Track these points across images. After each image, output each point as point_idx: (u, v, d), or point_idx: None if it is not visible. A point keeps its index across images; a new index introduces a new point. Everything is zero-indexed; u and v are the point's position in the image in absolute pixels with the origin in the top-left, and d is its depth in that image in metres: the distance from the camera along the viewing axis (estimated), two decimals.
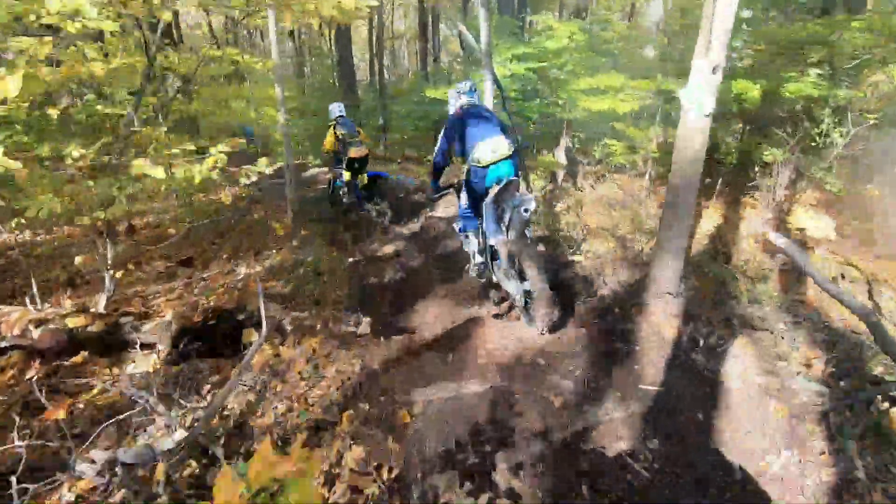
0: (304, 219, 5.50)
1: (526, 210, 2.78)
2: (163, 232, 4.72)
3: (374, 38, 13.10)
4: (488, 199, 2.98)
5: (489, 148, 2.98)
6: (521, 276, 2.92)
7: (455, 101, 3.35)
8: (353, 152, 5.38)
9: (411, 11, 18.40)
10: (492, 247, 3.07)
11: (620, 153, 5.45)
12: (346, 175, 5.55)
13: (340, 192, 5.93)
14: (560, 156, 5.86)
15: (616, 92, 5.06)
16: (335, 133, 5.48)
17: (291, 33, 15.21)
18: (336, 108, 5.70)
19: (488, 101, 4.57)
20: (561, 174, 5.96)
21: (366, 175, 5.69)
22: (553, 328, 2.88)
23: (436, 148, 3.32)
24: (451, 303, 3.61)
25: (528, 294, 2.90)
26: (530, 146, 6.67)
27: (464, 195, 3.32)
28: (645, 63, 6.33)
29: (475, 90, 3.38)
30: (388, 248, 4.89)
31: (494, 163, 3.00)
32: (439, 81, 9.56)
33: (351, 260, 4.63)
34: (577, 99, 5.22)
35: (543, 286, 2.73)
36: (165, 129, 3.40)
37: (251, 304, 3.08)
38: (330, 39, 14.37)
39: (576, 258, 4.07)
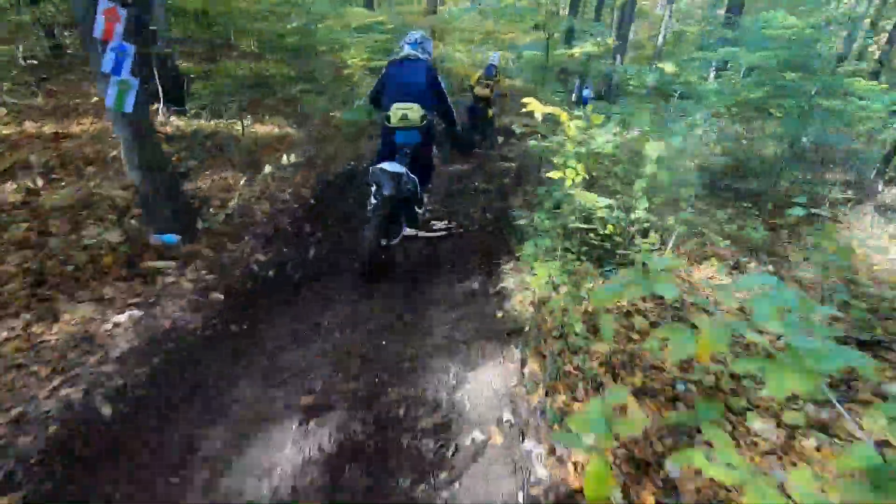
0: None
1: (388, 191, 2.89)
2: None
3: None
4: (378, 165, 2.98)
5: (400, 112, 3.04)
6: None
7: (399, 47, 3.41)
8: (477, 91, 6.80)
9: None
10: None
11: None
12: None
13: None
14: None
15: None
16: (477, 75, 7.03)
17: None
18: (493, 57, 7.23)
19: None
20: None
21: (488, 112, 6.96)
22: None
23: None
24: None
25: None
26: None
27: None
28: None
29: (420, 44, 3.31)
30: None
31: (400, 129, 3.10)
32: None
33: None
34: None
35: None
36: None
37: None
38: None
39: None
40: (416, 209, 3.38)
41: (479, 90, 6.73)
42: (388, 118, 3.06)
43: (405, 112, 3.01)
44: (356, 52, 7.28)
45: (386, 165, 2.92)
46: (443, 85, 3.26)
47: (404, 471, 1.63)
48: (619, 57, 12.34)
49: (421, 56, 3.24)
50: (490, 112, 6.92)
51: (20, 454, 1.59)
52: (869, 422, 0.71)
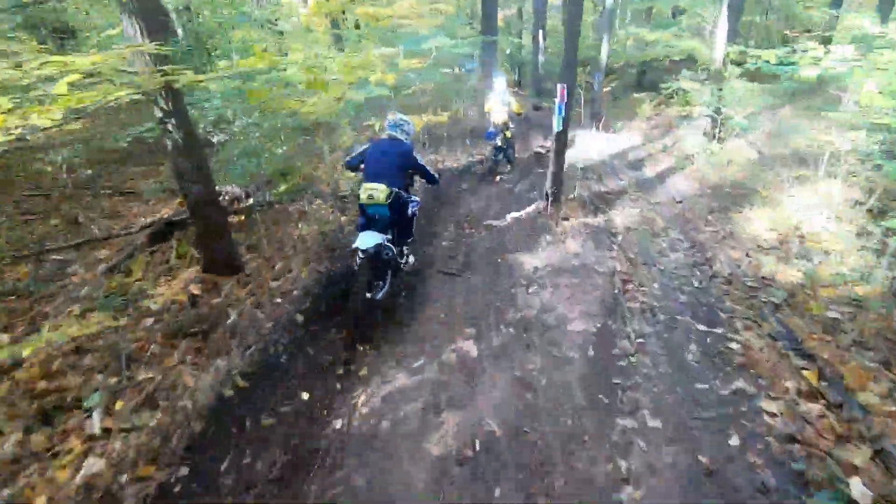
0: None
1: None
2: None
3: None
4: (358, 237, 3.38)
5: (367, 192, 3.37)
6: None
7: (387, 127, 3.79)
8: (495, 117, 6.73)
9: None
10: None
11: None
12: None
13: None
14: None
15: None
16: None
17: None
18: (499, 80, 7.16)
19: None
20: None
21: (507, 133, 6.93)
22: None
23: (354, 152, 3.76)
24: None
25: None
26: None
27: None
28: None
29: (399, 126, 3.75)
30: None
31: (370, 205, 3.43)
32: None
33: None
34: None
35: None
36: None
37: None
38: None
39: None
40: (400, 262, 3.88)
41: (497, 117, 6.67)
42: (358, 195, 3.52)
43: (371, 192, 3.39)
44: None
45: (364, 237, 3.35)
46: (419, 160, 3.76)
47: None
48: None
49: (400, 136, 3.75)
50: (509, 133, 6.95)
51: None
52: None
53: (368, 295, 3.33)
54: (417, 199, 3.89)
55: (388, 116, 3.83)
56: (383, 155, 3.57)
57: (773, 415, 2.53)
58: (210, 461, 2.37)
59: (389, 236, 3.59)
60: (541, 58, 12.99)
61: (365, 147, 3.71)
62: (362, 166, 3.63)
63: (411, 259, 4.08)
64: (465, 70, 11.34)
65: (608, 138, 9.27)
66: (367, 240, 3.29)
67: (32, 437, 2.33)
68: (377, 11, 6.24)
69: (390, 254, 3.49)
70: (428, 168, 3.86)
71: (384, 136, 3.79)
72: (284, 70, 4.10)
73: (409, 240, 3.99)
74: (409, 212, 3.75)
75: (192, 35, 6.88)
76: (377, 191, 3.37)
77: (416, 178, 4.00)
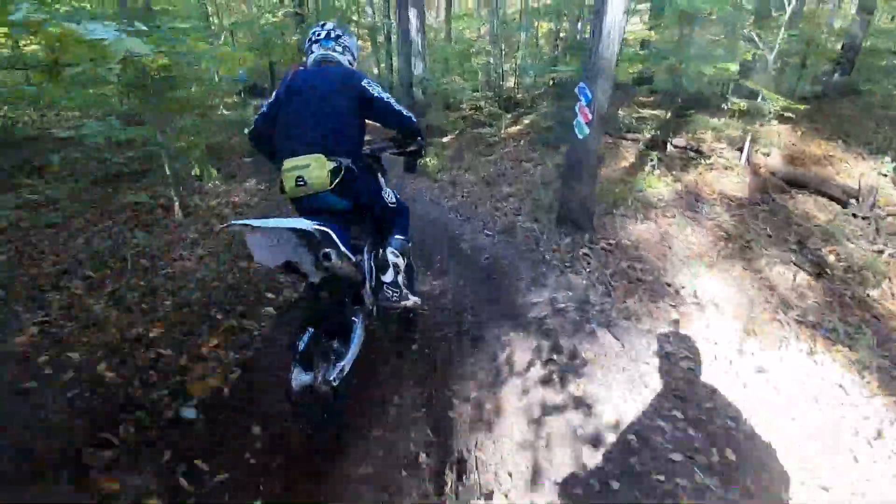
0: None
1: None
2: None
3: None
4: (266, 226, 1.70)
5: (293, 174, 1.82)
6: None
7: (307, 49, 2.16)
8: None
9: None
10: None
11: None
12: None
13: None
14: None
15: None
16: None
17: None
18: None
19: None
20: None
21: None
22: None
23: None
24: None
25: None
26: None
27: None
28: None
29: (338, 38, 2.11)
30: None
31: (302, 197, 1.89)
32: None
33: None
34: None
35: None
36: None
37: None
38: None
39: None
40: (388, 292, 2.01)
41: None
42: (280, 185, 1.90)
43: (300, 175, 1.79)
44: None
45: (284, 224, 1.63)
46: (379, 93, 1.99)
47: None
48: None
49: (341, 57, 2.10)
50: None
51: None
52: None
53: (306, 379, 1.67)
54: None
55: (314, 28, 2.13)
56: (312, 98, 1.86)
57: None
58: None
59: (348, 237, 1.84)
60: (417, 68, 8.24)
61: (277, 91, 1.99)
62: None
63: (406, 294, 2.09)
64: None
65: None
66: (297, 223, 1.60)
67: None
68: None
69: (352, 262, 1.72)
70: (401, 107, 2.04)
71: (309, 59, 2.07)
72: None
73: (403, 240, 2.12)
74: (386, 197, 2.14)
75: None
76: (310, 168, 1.77)
77: (384, 140, 2.18)
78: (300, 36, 12.22)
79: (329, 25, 2.13)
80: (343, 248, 1.62)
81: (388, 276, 2.00)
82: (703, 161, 7.12)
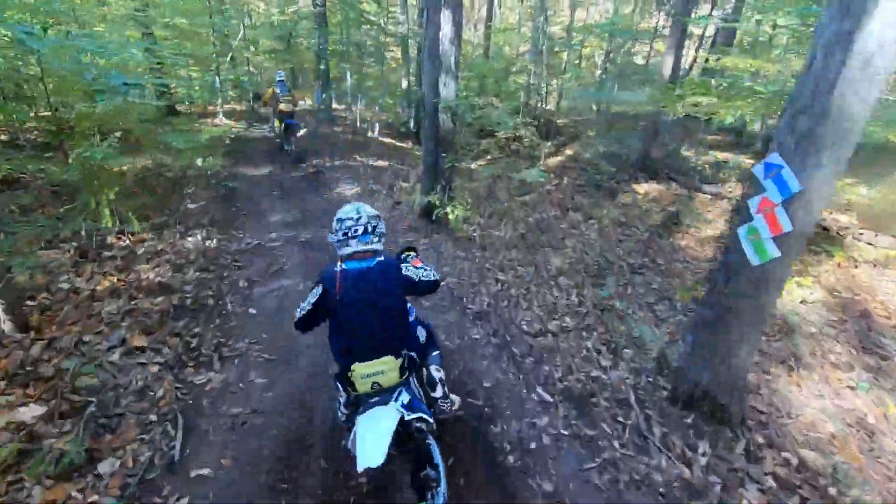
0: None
1: None
2: None
3: None
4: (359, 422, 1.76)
5: (369, 381, 1.83)
6: None
7: (338, 241, 1.95)
8: (283, 107, 7.65)
9: None
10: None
11: None
12: (277, 122, 8.16)
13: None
14: None
15: None
16: (273, 91, 7.76)
17: None
18: (279, 74, 8.12)
19: None
20: None
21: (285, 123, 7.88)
22: None
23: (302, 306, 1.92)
24: None
25: None
26: None
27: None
28: None
29: (375, 228, 1.95)
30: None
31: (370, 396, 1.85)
32: None
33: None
34: None
35: None
36: None
37: None
38: None
39: None
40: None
41: (284, 106, 7.68)
42: (349, 383, 1.88)
43: (375, 381, 1.85)
44: None
45: (369, 440, 1.68)
46: (416, 275, 1.98)
47: None
48: None
49: (375, 244, 1.96)
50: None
51: None
52: None
53: None
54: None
55: (345, 220, 1.95)
56: (370, 306, 1.87)
57: None
58: None
59: (408, 397, 1.89)
60: (449, 88, 4.97)
61: (318, 289, 1.88)
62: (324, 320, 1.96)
63: (454, 399, 2.44)
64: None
65: None
66: (378, 442, 1.69)
67: None
68: None
69: (425, 426, 1.85)
70: (429, 276, 2.04)
71: (343, 252, 1.94)
72: None
73: (439, 354, 2.31)
74: (420, 334, 2.27)
75: None
76: (384, 374, 1.87)
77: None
78: (319, 39, 10.32)
79: (364, 219, 1.96)
80: (427, 416, 1.83)
81: (438, 392, 2.18)
82: (841, 246, 4.89)
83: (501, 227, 5.72)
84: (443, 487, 1.89)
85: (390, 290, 1.89)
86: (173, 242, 4.49)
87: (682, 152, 8.67)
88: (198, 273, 4.05)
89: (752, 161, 8.34)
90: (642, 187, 7.26)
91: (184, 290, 3.75)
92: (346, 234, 1.92)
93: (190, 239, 4.64)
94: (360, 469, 1.61)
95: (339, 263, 1.89)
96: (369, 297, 1.85)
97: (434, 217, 5.30)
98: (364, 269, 1.87)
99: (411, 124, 11.16)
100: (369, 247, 1.93)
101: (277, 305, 3.70)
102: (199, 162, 6.33)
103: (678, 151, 8.67)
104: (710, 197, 6.67)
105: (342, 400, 2.00)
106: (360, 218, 1.94)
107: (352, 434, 1.77)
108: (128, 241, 4.33)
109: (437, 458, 1.96)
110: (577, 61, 12.38)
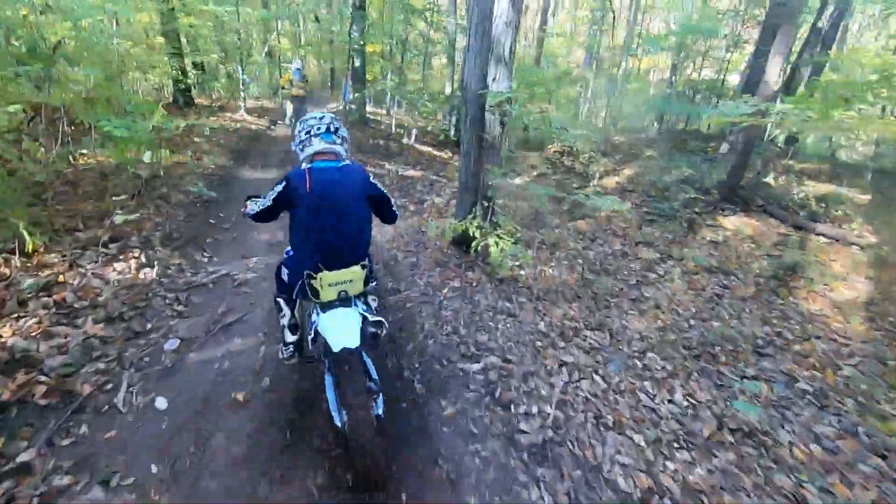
0: None
1: None
2: None
3: None
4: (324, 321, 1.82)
5: (336, 288, 1.84)
6: None
7: (301, 141, 1.97)
8: (295, 91, 8.43)
9: None
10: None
11: None
12: (290, 109, 8.79)
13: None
14: None
15: None
16: (290, 77, 8.53)
17: None
18: (295, 62, 8.80)
19: None
20: None
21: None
22: None
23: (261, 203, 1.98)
24: None
25: None
26: None
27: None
28: None
29: (336, 131, 1.98)
30: None
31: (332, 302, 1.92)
32: None
33: None
34: None
35: None
36: None
37: None
38: None
39: None
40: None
41: (296, 91, 8.29)
42: (312, 291, 1.85)
43: (343, 289, 1.86)
44: None
45: (339, 323, 1.78)
46: (381, 189, 2.03)
47: None
48: None
49: (339, 147, 1.97)
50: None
51: None
52: None
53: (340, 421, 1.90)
54: None
55: (309, 121, 1.99)
56: (341, 201, 1.85)
57: None
58: None
59: (364, 304, 2.06)
60: (500, 81, 3.73)
61: (280, 186, 1.85)
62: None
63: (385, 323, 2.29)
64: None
65: None
66: (349, 327, 1.78)
67: None
68: None
69: (378, 325, 1.95)
70: (394, 207, 2.20)
71: (307, 152, 1.95)
72: None
73: (373, 283, 2.32)
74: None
75: None
76: (353, 283, 1.89)
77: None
78: (353, 27, 9.95)
79: (327, 119, 2.01)
80: (384, 321, 1.94)
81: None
82: None
83: (553, 262, 4.40)
84: (381, 397, 2.01)
85: (357, 195, 1.90)
86: (85, 272, 3.01)
87: (767, 180, 7.13)
88: (99, 325, 2.56)
89: (866, 197, 6.72)
90: (730, 221, 5.80)
91: (48, 364, 2.20)
92: (308, 132, 1.94)
93: (117, 266, 3.20)
94: (336, 349, 1.68)
95: (302, 165, 1.90)
96: (340, 200, 1.83)
97: (472, 249, 3.92)
98: (331, 169, 1.86)
99: (451, 132, 10.05)
100: (332, 147, 1.94)
101: (208, 392, 2.26)
102: (144, 158, 4.82)
103: (762, 179, 7.14)
104: (828, 241, 5.15)
105: (285, 322, 2.10)
106: (322, 118, 2.00)
107: (312, 327, 1.84)
108: (13, 268, 2.83)
109: (374, 373, 2.09)
110: (637, 72, 10.99)
